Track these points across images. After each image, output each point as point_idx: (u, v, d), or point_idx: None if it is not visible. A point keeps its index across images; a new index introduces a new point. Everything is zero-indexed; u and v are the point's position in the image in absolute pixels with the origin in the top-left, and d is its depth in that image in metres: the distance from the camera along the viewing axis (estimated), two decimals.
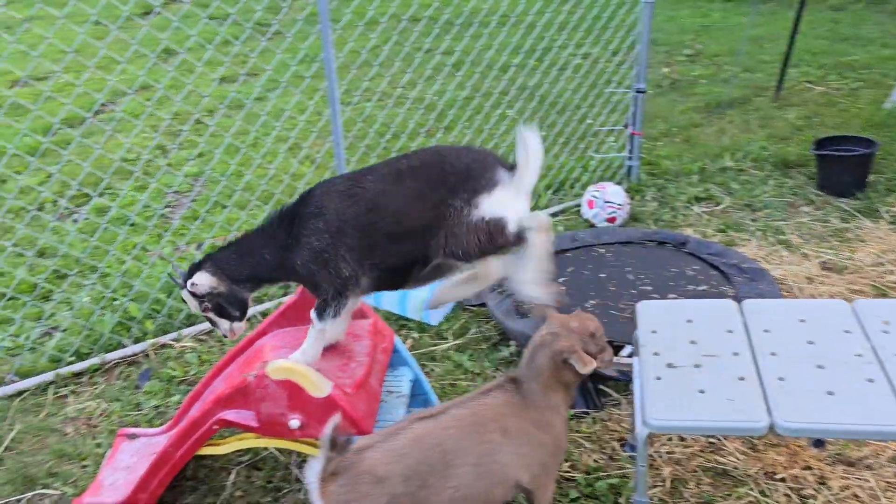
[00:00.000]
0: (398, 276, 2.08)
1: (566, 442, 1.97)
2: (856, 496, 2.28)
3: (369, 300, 3.41)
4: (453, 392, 2.90)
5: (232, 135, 4.38)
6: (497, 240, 1.94)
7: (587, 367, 1.82)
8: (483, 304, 3.32)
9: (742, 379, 1.90)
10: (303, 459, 2.58)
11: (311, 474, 1.68)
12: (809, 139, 5.06)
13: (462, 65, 6.23)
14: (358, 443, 1.72)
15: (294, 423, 2.00)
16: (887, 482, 2.32)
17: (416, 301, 3.29)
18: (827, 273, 3.50)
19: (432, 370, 3.06)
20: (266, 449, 2.64)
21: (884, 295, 3.31)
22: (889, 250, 3.65)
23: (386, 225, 1.97)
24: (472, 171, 1.95)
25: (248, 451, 2.66)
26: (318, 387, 1.96)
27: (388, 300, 3.36)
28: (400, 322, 3.38)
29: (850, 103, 5.76)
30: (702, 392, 1.86)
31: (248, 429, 2.09)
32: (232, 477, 2.57)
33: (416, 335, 3.28)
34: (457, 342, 3.22)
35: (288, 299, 2.46)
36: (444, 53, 6.89)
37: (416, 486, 1.69)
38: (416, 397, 2.45)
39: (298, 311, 2.40)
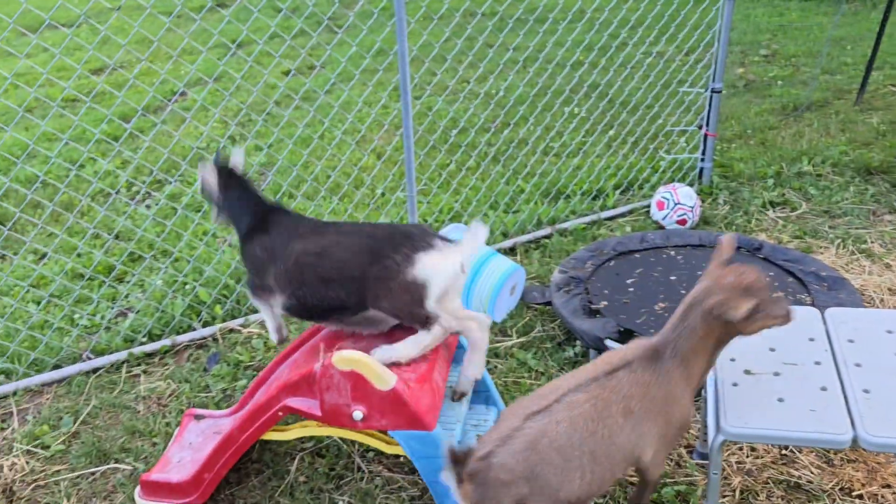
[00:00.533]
0: (316, 315, 2.30)
1: (691, 416, 1.88)
2: None
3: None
4: (517, 390, 2.88)
5: (302, 126, 4.45)
6: (421, 302, 2.10)
7: (740, 312, 1.73)
8: (549, 303, 3.29)
9: (824, 389, 1.82)
10: (366, 449, 2.60)
11: (448, 480, 1.75)
12: (894, 145, 4.84)
13: (533, 61, 6.19)
14: (479, 450, 1.72)
15: (357, 414, 2.01)
16: None
17: (481, 296, 3.27)
18: None
19: (496, 367, 3.04)
20: (330, 437, 2.67)
21: None
22: None
23: (325, 271, 2.16)
24: (415, 233, 2.17)
25: (311, 438, 2.70)
26: (383, 379, 1.96)
27: None
28: None
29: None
30: (781, 401, 1.80)
31: (311, 417, 2.11)
32: (296, 463, 2.61)
33: None
34: (521, 340, 3.19)
35: None
36: (515, 49, 6.84)
37: (541, 485, 1.69)
38: (479, 394, 2.43)
39: None
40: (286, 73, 6.34)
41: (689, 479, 2.39)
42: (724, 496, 2.32)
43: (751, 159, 4.86)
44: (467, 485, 1.70)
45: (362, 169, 4.58)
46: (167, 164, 4.65)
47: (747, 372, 1.91)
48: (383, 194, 4.53)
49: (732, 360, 1.96)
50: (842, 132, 5.23)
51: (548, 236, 4.08)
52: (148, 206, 4.58)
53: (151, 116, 4.91)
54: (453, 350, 2.32)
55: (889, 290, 3.30)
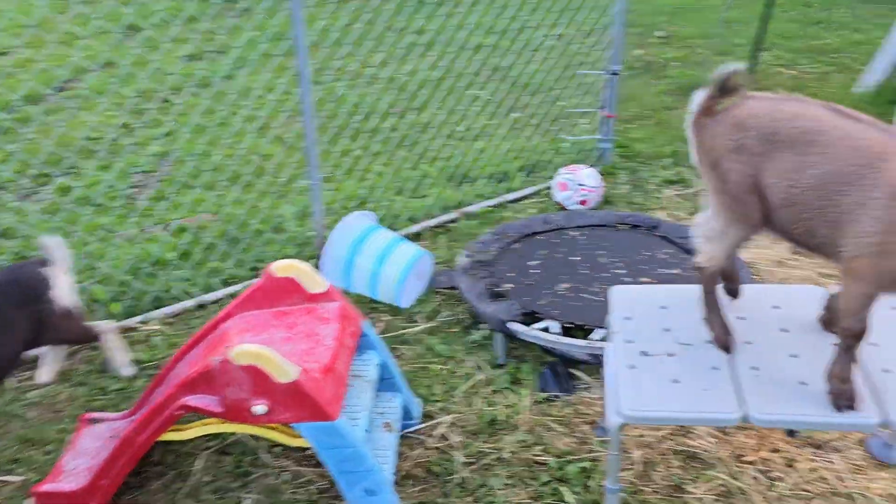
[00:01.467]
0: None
1: None
2: (823, 478, 2.31)
3: (341, 283, 3.37)
4: (424, 376, 2.88)
5: (199, 114, 4.28)
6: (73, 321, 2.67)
7: None
8: (454, 287, 3.30)
9: (716, 369, 1.90)
10: (273, 444, 2.55)
11: (693, 104, 1.82)
12: None
13: (434, 45, 6.17)
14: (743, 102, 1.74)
15: (259, 408, 1.96)
16: (854, 464, 2.35)
17: (388, 283, 3.25)
18: (796, 257, 3.52)
19: (403, 353, 3.03)
20: (235, 434, 2.59)
21: None
22: None
23: None
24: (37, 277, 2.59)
25: (216, 436, 2.62)
26: (285, 372, 1.92)
27: (359, 282, 3.32)
28: (371, 305, 3.34)
29: (821, 87, 5.81)
30: (675, 382, 1.85)
31: (211, 414, 2.04)
32: (200, 462, 2.53)
33: (386, 318, 3.25)
34: (428, 325, 3.19)
35: (254, 283, 2.41)
36: (417, 33, 6.80)
37: (761, 152, 1.68)
38: (383, 381, 2.42)
39: (266, 294, 2.35)
40: (189, 59, 6.09)
41: (593, 455, 2.45)
42: (626, 469, 2.39)
43: (649, 139, 5.02)
44: (705, 118, 1.77)
45: (264, 157, 4.46)
46: (56, 158, 4.38)
47: (644, 353, 1.96)
48: (290, 182, 4.43)
49: (629, 341, 2.01)
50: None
51: (454, 220, 4.09)
52: (37, 202, 4.31)
53: (32, 108, 4.61)
54: (357, 339, 2.30)
55: (777, 262, 3.48)
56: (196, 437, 2.48)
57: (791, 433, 1.81)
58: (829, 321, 1.98)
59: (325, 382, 1.99)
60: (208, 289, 3.49)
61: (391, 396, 2.47)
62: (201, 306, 3.40)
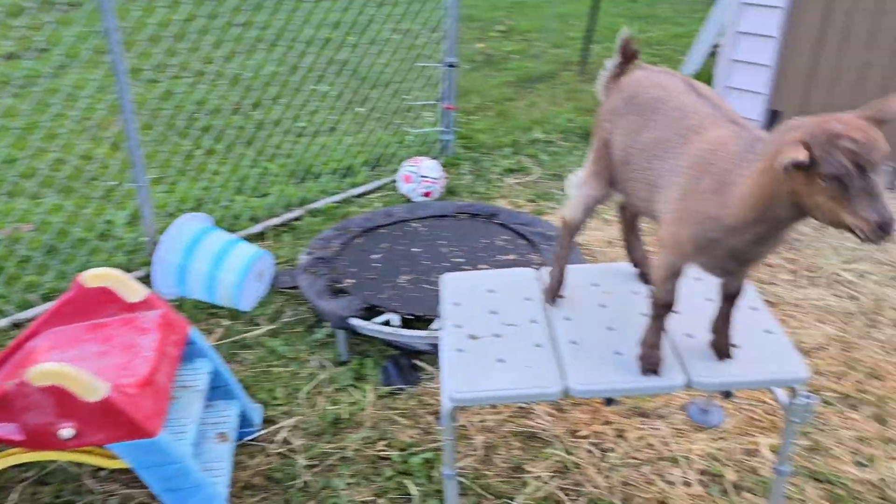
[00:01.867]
0: None
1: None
2: (650, 445, 2.44)
3: (176, 290, 3.19)
4: (266, 380, 2.78)
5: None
6: None
7: (783, 157, 1.28)
8: (297, 287, 3.20)
9: (539, 346, 1.94)
10: (97, 469, 2.36)
11: (605, 72, 1.91)
12: None
13: (281, 39, 5.99)
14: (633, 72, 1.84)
15: (66, 432, 1.80)
16: (676, 429, 2.50)
17: (226, 287, 3.10)
18: None
19: (245, 358, 2.91)
20: (56, 461, 2.38)
21: None
22: None
23: None
24: None
25: (34, 464, 2.39)
26: (93, 389, 1.76)
27: (195, 287, 3.15)
28: (210, 310, 3.18)
29: None
30: (501, 361, 1.88)
31: (12, 443, 1.85)
32: (15, 496, 2.29)
33: (226, 323, 3.11)
34: (271, 327, 3.08)
35: (63, 296, 2.21)
36: (262, 27, 6.57)
37: (621, 113, 1.79)
38: (217, 389, 2.30)
39: (77, 306, 2.16)
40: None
41: (437, 444, 2.46)
42: (469, 455, 2.42)
43: (490, 130, 5.12)
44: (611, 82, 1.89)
45: (83, 159, 4.14)
46: None
47: (471, 337, 1.98)
48: (120, 185, 4.13)
49: (458, 326, 2.02)
50: (568, 101, 5.69)
51: (298, 218, 3.98)
52: None
53: None
54: (181, 348, 2.16)
55: (607, 242, 3.65)
56: (7, 468, 2.25)
57: (609, 402, 1.88)
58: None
59: (143, 397, 1.86)
60: (25, 305, 3.19)
61: (226, 405, 2.35)
62: (16, 325, 3.10)
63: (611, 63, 1.93)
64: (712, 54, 5.68)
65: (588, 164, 1.99)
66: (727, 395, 1.99)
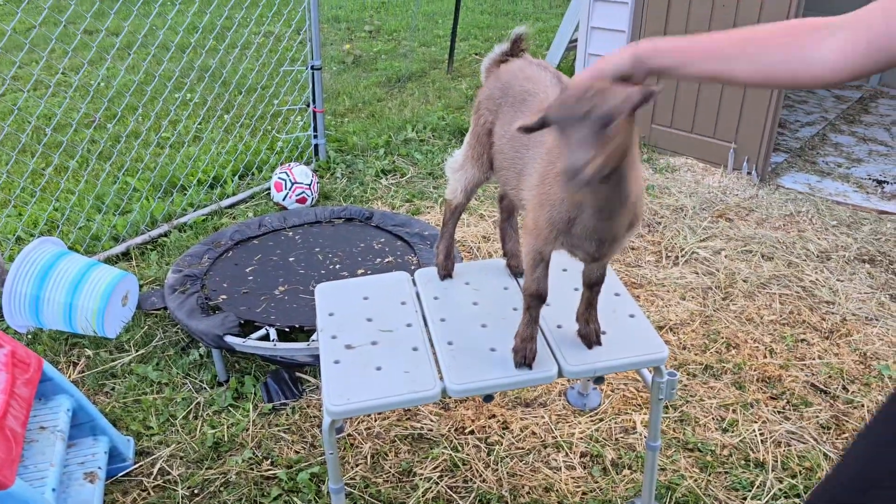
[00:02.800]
0: None
1: None
2: (534, 433, 2.50)
3: (31, 322, 2.96)
4: (138, 409, 2.63)
5: None
6: None
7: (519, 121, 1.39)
8: (166, 307, 3.06)
9: (416, 349, 1.94)
10: None
11: (489, 56, 1.95)
12: None
13: (134, 44, 5.68)
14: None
15: None
16: (558, 415, 2.58)
17: (86, 313, 2.92)
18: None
19: (113, 388, 2.74)
20: None
21: None
22: None
23: None
24: None
25: None
26: None
27: (52, 318, 2.94)
28: (71, 341, 2.98)
29: None
30: (379, 369, 1.86)
31: None
32: None
33: (90, 352, 2.92)
34: (140, 353, 2.92)
35: None
36: (112, 33, 6.22)
37: (500, 103, 1.85)
38: (81, 426, 2.16)
39: None
40: None
41: (324, 457, 2.41)
42: (357, 464, 2.39)
43: (363, 132, 5.09)
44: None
45: None
46: None
47: (348, 347, 1.95)
48: None
49: (334, 336, 1.99)
50: (438, 99, 5.74)
51: (165, 234, 3.80)
52: None
53: None
54: (34, 386, 2.01)
55: (483, 237, 3.71)
56: None
57: (487, 398, 1.91)
58: None
59: None
60: None
61: (93, 441, 2.21)
62: None
63: (499, 48, 1.98)
64: (572, 48, 5.90)
65: (466, 148, 2.04)
66: (599, 379, 2.06)
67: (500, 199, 2.24)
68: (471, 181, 2.05)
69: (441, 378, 1.83)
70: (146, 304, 3.17)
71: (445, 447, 2.44)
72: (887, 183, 4.30)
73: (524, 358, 1.81)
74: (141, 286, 3.32)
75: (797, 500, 2.24)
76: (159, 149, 4.59)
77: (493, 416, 2.58)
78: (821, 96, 5.84)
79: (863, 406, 2.61)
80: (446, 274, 2.18)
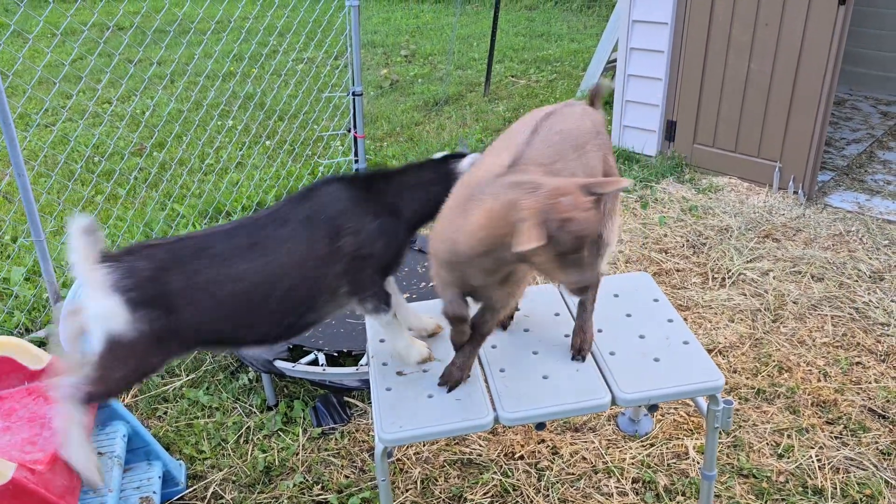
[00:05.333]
0: None
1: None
2: (584, 458, 2.48)
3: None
4: (190, 434, 2.67)
5: None
6: None
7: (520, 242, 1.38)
8: None
9: (467, 377, 1.94)
10: None
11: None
12: None
13: (182, 74, 5.84)
14: None
15: None
16: (608, 440, 2.55)
17: None
18: None
19: (165, 413, 2.79)
20: None
21: None
22: None
23: None
24: None
25: None
26: None
27: None
28: None
29: (549, 93, 6.34)
30: (431, 397, 1.87)
31: None
32: None
33: None
34: (191, 377, 2.97)
35: None
36: (160, 63, 6.40)
37: None
38: (136, 451, 2.20)
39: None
40: None
41: (374, 482, 2.42)
42: (407, 489, 2.39)
43: (402, 155, 5.14)
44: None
45: None
46: None
47: (399, 374, 1.96)
48: (14, 240, 3.91)
49: (384, 364, 2.00)
50: (476, 121, 5.78)
51: None
52: None
53: None
54: (94, 412, 2.05)
55: None
56: None
57: (540, 426, 1.90)
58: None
59: (54, 473, 1.75)
60: None
61: (148, 467, 2.25)
62: None
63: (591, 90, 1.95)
64: (610, 69, 5.90)
65: None
66: (652, 407, 2.04)
67: None
68: None
69: (493, 406, 1.83)
70: None
71: (495, 472, 2.43)
72: None
73: (446, 381, 1.85)
74: None
75: None
76: (205, 175, 4.69)
77: (543, 440, 2.56)
78: (866, 112, 5.74)
79: None
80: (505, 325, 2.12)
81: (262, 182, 4.54)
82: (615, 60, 5.23)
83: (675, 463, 2.44)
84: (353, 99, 4.47)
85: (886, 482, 2.33)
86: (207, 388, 2.90)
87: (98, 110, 5.51)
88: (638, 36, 4.66)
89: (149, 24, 6.82)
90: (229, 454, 2.58)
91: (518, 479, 2.40)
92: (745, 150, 4.41)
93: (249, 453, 2.58)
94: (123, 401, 2.84)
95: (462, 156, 2.04)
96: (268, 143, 5.14)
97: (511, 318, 2.12)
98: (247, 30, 4.92)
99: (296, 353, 2.80)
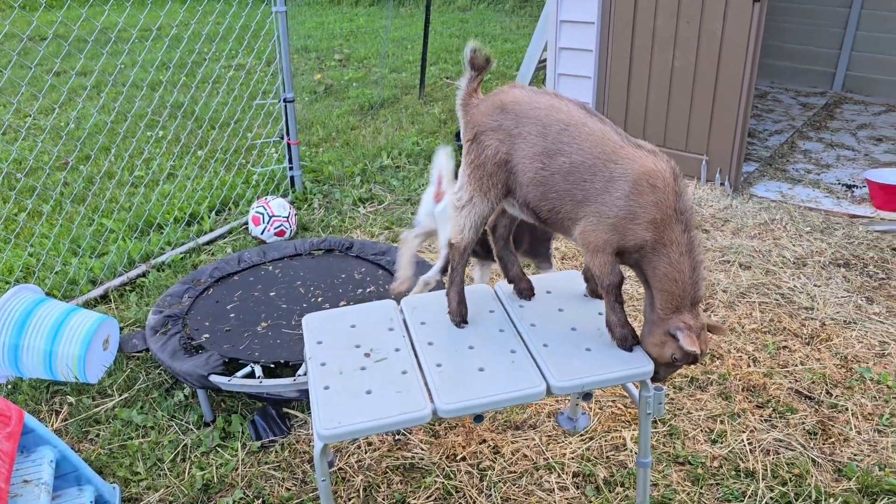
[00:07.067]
0: None
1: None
2: (525, 456, 2.50)
3: (10, 372, 2.92)
4: (124, 455, 2.59)
5: None
6: None
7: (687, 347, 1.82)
8: (148, 349, 3.02)
9: (405, 373, 1.94)
10: None
11: (461, 89, 1.99)
12: (453, 131, 5.49)
13: (105, 85, 5.66)
14: (508, 88, 1.97)
15: None
16: (548, 436, 2.58)
17: (67, 360, 2.88)
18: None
19: (97, 435, 2.70)
20: None
21: (528, 266, 3.69)
22: None
23: None
24: None
25: None
26: None
27: (32, 366, 2.89)
28: (53, 388, 2.94)
29: (484, 94, 6.38)
30: (369, 393, 1.87)
31: None
32: None
33: (72, 399, 2.87)
34: (124, 397, 2.88)
35: None
36: (81, 74, 6.20)
37: (516, 134, 1.89)
38: (65, 476, 2.12)
39: None
40: None
41: (316, 493, 2.39)
42: (350, 498, 2.37)
43: (338, 160, 5.10)
44: (472, 97, 1.99)
45: None
46: None
47: (338, 373, 1.95)
48: None
49: (323, 364, 1.99)
50: (412, 124, 5.78)
51: (144, 275, 3.77)
52: None
53: None
54: (16, 439, 1.97)
55: None
56: None
57: (477, 419, 1.92)
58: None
59: None
60: None
61: (78, 492, 2.16)
62: None
63: (465, 79, 1.99)
64: (541, 68, 5.97)
65: (472, 181, 2.00)
66: (587, 396, 2.07)
67: (493, 229, 2.23)
68: (480, 215, 2.02)
69: (431, 399, 1.84)
70: (128, 347, 3.13)
71: (438, 475, 2.43)
72: (856, 187, 4.39)
73: (625, 340, 1.94)
74: (122, 329, 3.29)
75: None
76: (134, 188, 4.57)
77: (484, 440, 2.57)
78: (787, 104, 5.96)
79: (847, 410, 2.64)
80: (461, 320, 2.12)
81: (193, 193, 4.45)
82: (545, 60, 5.30)
83: (613, 455, 2.49)
84: (285, 105, 4.42)
85: (813, 461, 2.42)
86: (141, 408, 2.82)
87: (17, 124, 5.31)
88: (566, 36, 4.73)
89: (67, 33, 6.61)
90: (165, 474, 2.51)
91: (461, 481, 2.41)
92: (673, 145, 4.52)
93: (187, 472, 2.51)
94: (51, 425, 2.74)
95: None
96: (199, 153, 5.03)
97: (465, 318, 2.15)
98: (170, 37, 4.81)
99: (231, 367, 2.74)
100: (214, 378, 2.64)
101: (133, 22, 6.01)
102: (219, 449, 2.61)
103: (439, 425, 2.64)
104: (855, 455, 2.44)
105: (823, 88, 6.28)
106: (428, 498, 2.35)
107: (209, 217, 4.29)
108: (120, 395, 2.89)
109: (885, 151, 4.93)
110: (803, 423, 2.58)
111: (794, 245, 3.76)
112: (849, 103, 5.96)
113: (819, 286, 3.39)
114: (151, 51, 5.72)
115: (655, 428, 2.57)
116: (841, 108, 5.85)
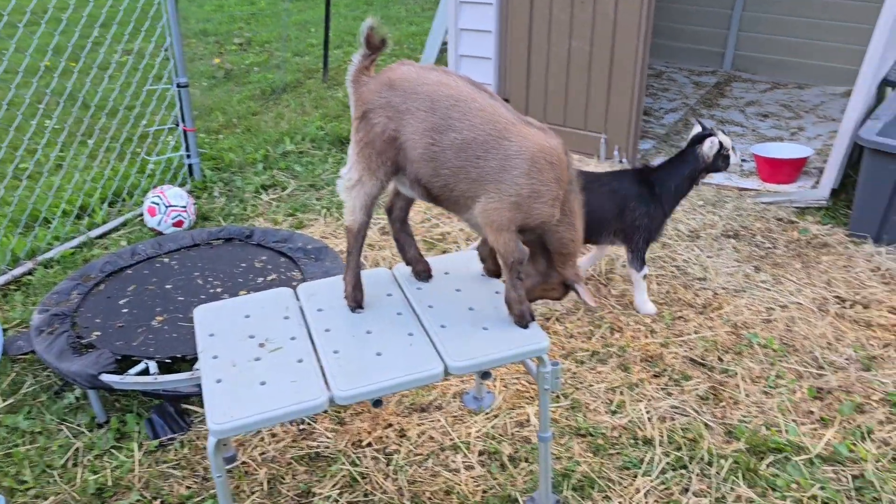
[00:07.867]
0: None
1: None
2: (431, 438, 2.51)
3: None
4: (10, 464, 2.45)
5: None
6: None
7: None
8: (34, 351, 2.86)
9: (300, 361, 1.91)
10: None
11: (352, 64, 1.96)
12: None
13: None
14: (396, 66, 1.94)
15: None
16: (454, 416, 2.60)
17: None
18: (386, 237, 3.78)
19: None
20: None
21: (432, 248, 3.69)
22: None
23: None
24: None
25: None
26: None
27: None
28: None
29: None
30: (263, 384, 1.82)
31: None
32: None
33: None
34: (8, 402, 2.72)
35: None
36: None
37: (405, 110, 1.87)
38: None
39: None
40: None
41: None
42: (253, 492, 2.32)
43: (239, 147, 4.95)
44: (361, 76, 1.96)
45: None
46: None
47: (232, 365, 1.89)
48: None
49: (215, 357, 1.92)
50: (315, 109, 5.67)
51: (30, 272, 3.55)
52: None
53: None
54: None
55: (368, 245, 3.69)
56: None
57: (376, 403, 1.90)
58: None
59: None
60: None
61: None
62: None
63: (358, 55, 1.96)
64: (445, 50, 5.96)
65: (357, 161, 1.97)
66: (485, 375, 2.09)
67: (390, 211, 2.20)
68: (370, 195, 1.99)
69: (328, 387, 1.81)
70: (12, 350, 2.95)
71: (343, 463, 2.41)
72: (745, 161, 4.59)
73: (523, 317, 1.98)
74: (5, 330, 3.10)
75: (683, 472, 2.34)
76: (16, 181, 4.30)
77: (390, 425, 2.56)
78: (681, 83, 6.18)
79: (736, 374, 2.77)
80: (356, 305, 2.09)
81: (83, 184, 4.22)
82: (447, 42, 5.29)
83: (518, 431, 2.52)
84: (179, 91, 4.25)
85: (706, 425, 2.53)
86: (28, 413, 2.67)
87: None
88: (465, 17, 4.73)
89: None
90: (56, 480, 2.38)
91: (367, 467, 2.39)
92: (573, 124, 4.61)
93: (79, 477, 2.39)
94: None
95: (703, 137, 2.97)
96: (88, 142, 4.76)
97: (361, 303, 2.14)
98: (46, 20, 4.52)
99: (125, 365, 2.63)
100: (105, 377, 2.51)
101: (3, 5, 5.61)
102: (113, 451, 2.49)
103: (344, 412, 2.61)
104: (744, 417, 2.57)
105: (714, 67, 6.54)
106: (334, 486, 2.32)
107: (101, 209, 4.08)
108: (4, 401, 2.72)
109: (770, 127, 5.18)
110: (697, 389, 2.70)
111: (688, 218, 3.90)
112: (738, 81, 6.22)
113: (711, 257, 3.54)
114: (24, 36, 5.34)
115: (557, 402, 2.63)
116: (730, 86, 6.11)
